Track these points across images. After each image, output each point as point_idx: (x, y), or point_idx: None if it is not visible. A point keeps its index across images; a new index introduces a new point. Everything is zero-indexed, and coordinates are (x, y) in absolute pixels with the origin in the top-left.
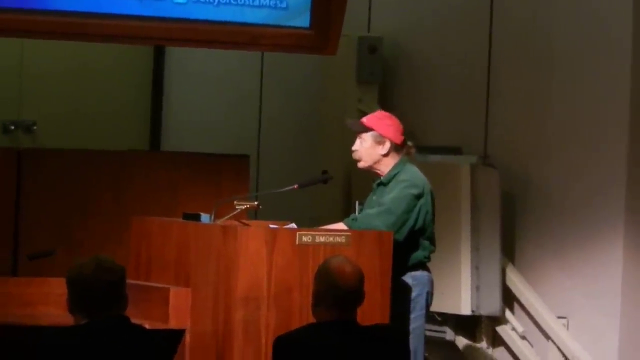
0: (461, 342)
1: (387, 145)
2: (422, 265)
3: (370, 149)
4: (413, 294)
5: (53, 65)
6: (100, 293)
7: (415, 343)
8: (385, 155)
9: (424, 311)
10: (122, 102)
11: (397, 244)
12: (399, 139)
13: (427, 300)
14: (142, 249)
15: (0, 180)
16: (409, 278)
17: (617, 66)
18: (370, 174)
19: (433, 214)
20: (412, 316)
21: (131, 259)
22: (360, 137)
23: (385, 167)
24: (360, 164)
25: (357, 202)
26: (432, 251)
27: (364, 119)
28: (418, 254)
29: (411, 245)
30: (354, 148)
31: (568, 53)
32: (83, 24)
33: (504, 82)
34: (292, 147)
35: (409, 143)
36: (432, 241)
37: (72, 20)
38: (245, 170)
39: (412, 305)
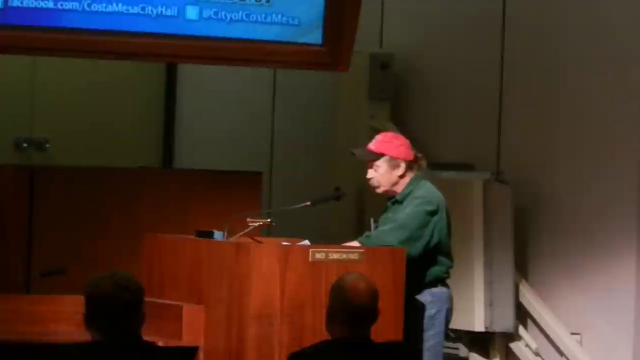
0: (475, 359)
1: (403, 166)
2: (441, 281)
3: (387, 174)
4: (432, 311)
5: (65, 82)
6: (116, 310)
7: None
8: (402, 176)
9: (442, 328)
10: (134, 119)
11: (412, 260)
12: (411, 156)
13: (446, 317)
14: (155, 266)
15: (13, 197)
16: (427, 295)
17: (628, 77)
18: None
19: (449, 230)
20: (430, 333)
21: (143, 276)
22: (373, 165)
23: (401, 186)
24: (379, 190)
25: (372, 220)
26: (450, 267)
27: (372, 146)
28: (435, 270)
29: (428, 262)
30: (369, 177)
31: (579, 66)
32: (95, 42)
33: (516, 97)
34: (304, 163)
35: (418, 155)
36: (450, 257)
37: (85, 37)
38: (258, 187)
39: (431, 322)
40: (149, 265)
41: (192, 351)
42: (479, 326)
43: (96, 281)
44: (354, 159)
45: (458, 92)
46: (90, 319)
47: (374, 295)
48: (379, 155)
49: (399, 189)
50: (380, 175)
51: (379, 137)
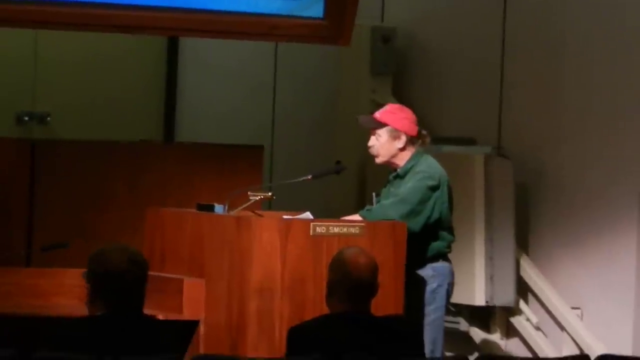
0: (475, 333)
1: (404, 138)
2: (442, 256)
3: (387, 144)
4: (433, 285)
5: (67, 56)
6: (130, 285)
7: (435, 334)
8: (402, 149)
9: (444, 302)
10: (136, 93)
11: (414, 235)
12: (414, 130)
13: (447, 291)
14: (156, 239)
15: (15, 171)
16: (429, 269)
17: (632, 53)
18: (386, 166)
19: (451, 205)
20: (431, 307)
21: (145, 249)
22: (375, 133)
23: (402, 160)
24: (378, 160)
25: (373, 194)
26: (452, 241)
27: (377, 115)
28: (437, 245)
29: (429, 236)
30: (370, 144)
31: (582, 41)
32: (97, 15)
33: (518, 72)
34: (305, 137)
35: (423, 132)
36: (451, 232)
37: (86, 11)
38: (259, 161)
39: (432, 296)
40: (151, 239)
41: (192, 325)
42: (479, 300)
43: (109, 256)
44: (356, 129)
45: (460, 67)
46: (99, 293)
47: (374, 270)
48: (382, 125)
49: (398, 161)
50: (381, 144)
51: (386, 107)
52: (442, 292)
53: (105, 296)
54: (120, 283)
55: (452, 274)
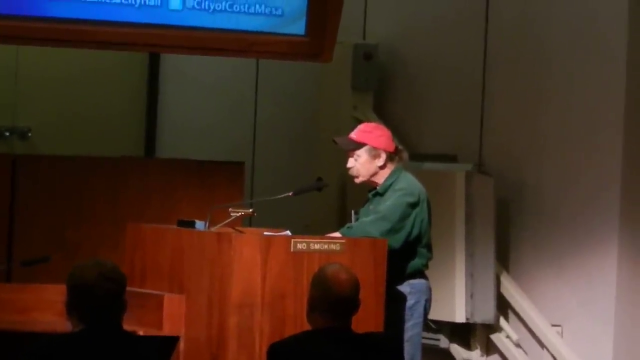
0: (455, 350)
1: (383, 156)
2: (420, 273)
3: (367, 164)
4: (411, 302)
5: (48, 71)
6: (100, 301)
7: (413, 351)
8: (382, 166)
9: (421, 319)
10: (117, 109)
11: (393, 252)
12: (391, 147)
13: (425, 308)
14: (137, 255)
15: None
16: (406, 286)
17: (611, 69)
18: (366, 185)
19: (429, 222)
20: (409, 324)
21: (125, 265)
22: (354, 154)
23: (382, 177)
24: (358, 180)
25: (353, 212)
26: (430, 259)
27: (354, 135)
28: (416, 262)
29: (408, 254)
30: (349, 166)
31: (562, 58)
32: (78, 31)
33: (499, 89)
34: (287, 154)
35: (400, 147)
36: (430, 249)
37: (68, 27)
38: (240, 177)
39: (409, 313)
40: (131, 255)
41: (173, 340)
42: (460, 317)
43: (80, 271)
44: (336, 147)
45: (441, 84)
46: (72, 308)
47: (355, 286)
48: (360, 145)
49: (378, 179)
50: (361, 164)
51: (360, 127)
52: (420, 308)
53: (77, 310)
54: (90, 298)
55: (429, 290)
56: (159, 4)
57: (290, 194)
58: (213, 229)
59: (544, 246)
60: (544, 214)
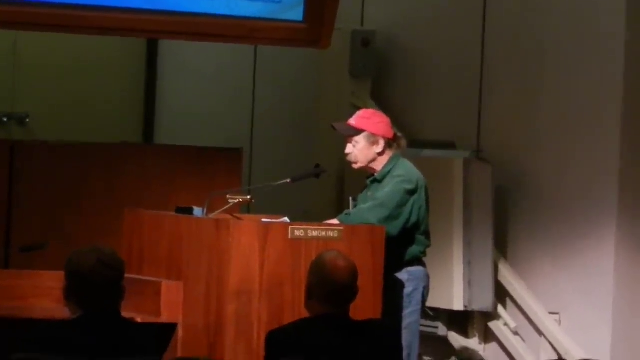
0: (453, 337)
1: (382, 143)
2: (418, 261)
3: (365, 150)
4: (409, 289)
5: (46, 57)
6: (98, 288)
7: (410, 338)
8: (381, 153)
9: (419, 306)
10: (115, 95)
11: (391, 239)
12: (390, 133)
13: (423, 295)
14: (134, 242)
15: None
16: (404, 273)
17: (609, 59)
18: (364, 171)
19: (428, 209)
20: (407, 311)
21: (123, 252)
22: (352, 140)
23: (380, 164)
24: (356, 166)
25: (350, 198)
26: (428, 246)
27: (352, 122)
28: (414, 249)
29: (406, 241)
30: (347, 151)
31: (560, 46)
32: (77, 17)
33: (497, 76)
34: (285, 140)
35: (399, 134)
36: (428, 236)
37: (66, 12)
38: (238, 164)
39: (407, 300)
40: (129, 241)
41: (170, 327)
42: (457, 305)
43: (78, 257)
44: (334, 133)
45: (439, 70)
46: (71, 294)
47: (353, 273)
48: (359, 131)
49: (376, 166)
50: (359, 150)
51: (359, 113)
52: (418, 296)
53: (75, 297)
54: (88, 284)
55: (427, 278)
56: None
57: (288, 180)
58: (211, 216)
59: (541, 234)
60: (541, 201)
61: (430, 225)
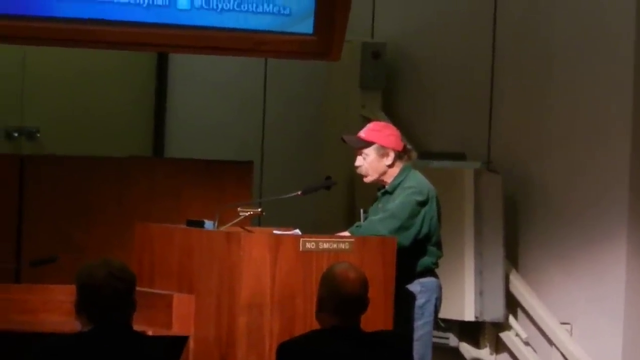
0: (465, 348)
1: (392, 155)
2: (430, 272)
3: (376, 163)
4: (421, 301)
5: (56, 71)
6: (109, 301)
7: (423, 350)
8: (391, 165)
9: (432, 318)
10: (125, 108)
11: (403, 250)
12: (400, 146)
13: (435, 306)
14: (145, 255)
15: (3, 186)
16: (417, 285)
17: (618, 67)
18: (375, 183)
19: (439, 220)
20: (420, 323)
21: (134, 265)
22: (362, 153)
23: (390, 176)
24: (367, 179)
25: (361, 211)
26: (440, 257)
27: (362, 134)
28: (425, 260)
29: (418, 252)
30: (357, 164)
31: (570, 55)
32: (86, 31)
33: (508, 87)
34: (295, 153)
35: (409, 146)
36: (439, 247)
37: (76, 27)
38: (249, 177)
39: (420, 311)
40: (140, 255)
41: (182, 340)
42: (469, 316)
43: (89, 270)
44: (344, 145)
45: (449, 82)
46: (81, 308)
47: (364, 285)
48: (369, 143)
49: (387, 178)
50: (369, 163)
51: (369, 126)
52: (430, 307)
53: (86, 310)
54: (99, 297)
55: (439, 289)
56: (167, 3)
57: (299, 193)
58: (222, 229)
59: (552, 244)
60: (552, 211)
61: (441, 236)
